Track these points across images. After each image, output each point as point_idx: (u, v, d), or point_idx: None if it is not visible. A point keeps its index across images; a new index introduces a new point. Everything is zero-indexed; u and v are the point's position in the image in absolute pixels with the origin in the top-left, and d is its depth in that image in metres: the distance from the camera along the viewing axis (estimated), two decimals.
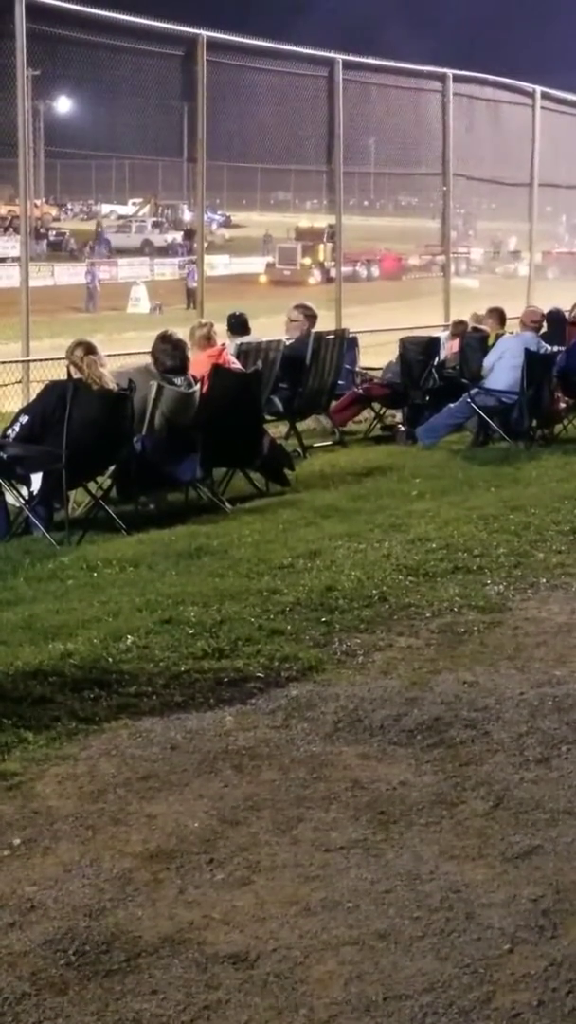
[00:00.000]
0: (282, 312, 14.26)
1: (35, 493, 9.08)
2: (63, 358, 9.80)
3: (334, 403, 14.21)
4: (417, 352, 14.60)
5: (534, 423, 13.59)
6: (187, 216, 53.11)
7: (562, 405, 14.41)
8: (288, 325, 13.69)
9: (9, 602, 7.19)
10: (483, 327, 15.34)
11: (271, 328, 14.20)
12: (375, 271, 43.54)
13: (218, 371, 10.56)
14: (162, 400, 9.85)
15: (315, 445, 13.35)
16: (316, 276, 40.68)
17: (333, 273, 21.65)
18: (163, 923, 3.87)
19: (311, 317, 13.74)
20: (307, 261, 44.47)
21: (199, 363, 10.60)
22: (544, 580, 7.76)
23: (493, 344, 14.06)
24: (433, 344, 14.99)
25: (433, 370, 14.56)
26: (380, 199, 44.86)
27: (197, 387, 10.13)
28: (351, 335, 15.42)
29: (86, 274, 38.42)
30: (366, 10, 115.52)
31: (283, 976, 3.61)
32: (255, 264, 46.21)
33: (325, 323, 14.13)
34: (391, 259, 42.58)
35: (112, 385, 9.37)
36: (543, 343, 14.02)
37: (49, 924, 3.86)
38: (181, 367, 10.10)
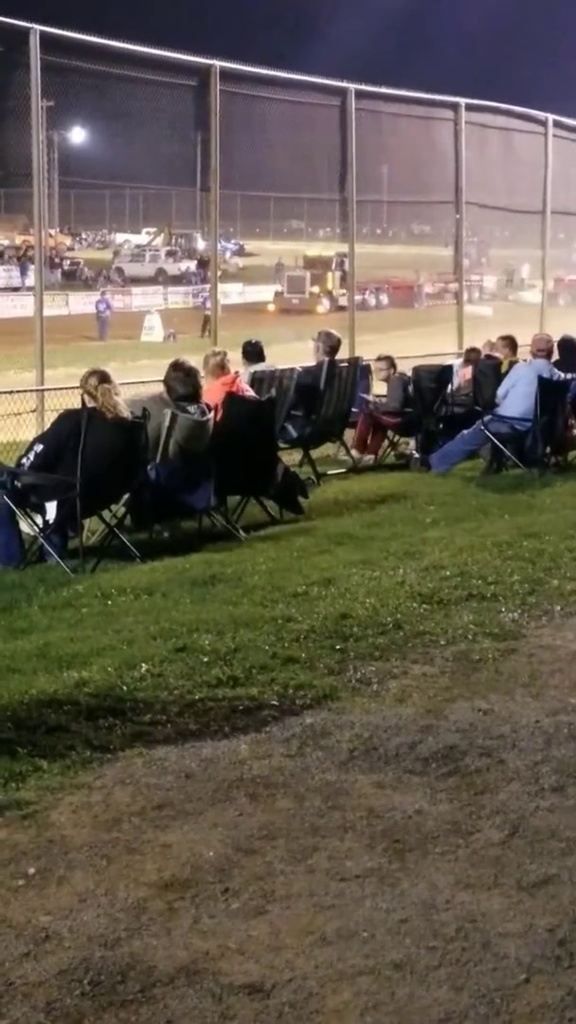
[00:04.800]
0: (290, 341, 14.32)
1: (50, 521, 9.10)
2: (77, 387, 9.83)
3: (353, 435, 14.27)
4: (430, 380, 14.63)
5: (548, 450, 13.60)
6: (201, 245, 53.41)
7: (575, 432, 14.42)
8: (312, 346, 13.85)
9: (24, 630, 7.20)
10: (496, 354, 15.37)
11: (281, 356, 14.24)
12: (384, 299, 43.56)
13: (232, 399, 10.57)
14: (176, 428, 9.87)
15: (329, 472, 13.36)
16: (325, 304, 40.81)
17: (342, 302, 21.71)
18: (178, 953, 3.85)
19: (332, 348, 13.77)
20: (316, 290, 44.55)
21: (213, 391, 10.63)
22: (559, 607, 7.75)
23: (506, 372, 14.08)
24: (446, 372, 15.02)
25: (446, 397, 14.59)
26: (393, 227, 44.97)
27: (211, 415, 10.16)
28: (364, 363, 15.46)
29: (98, 303, 38.63)
30: (378, 39, 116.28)
31: (298, 1006, 3.59)
32: (268, 292, 46.32)
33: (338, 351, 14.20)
34: (403, 287, 42.63)
35: (126, 414, 9.39)
36: (556, 370, 14.04)
37: (64, 954, 3.85)
38: (194, 394, 10.12)
